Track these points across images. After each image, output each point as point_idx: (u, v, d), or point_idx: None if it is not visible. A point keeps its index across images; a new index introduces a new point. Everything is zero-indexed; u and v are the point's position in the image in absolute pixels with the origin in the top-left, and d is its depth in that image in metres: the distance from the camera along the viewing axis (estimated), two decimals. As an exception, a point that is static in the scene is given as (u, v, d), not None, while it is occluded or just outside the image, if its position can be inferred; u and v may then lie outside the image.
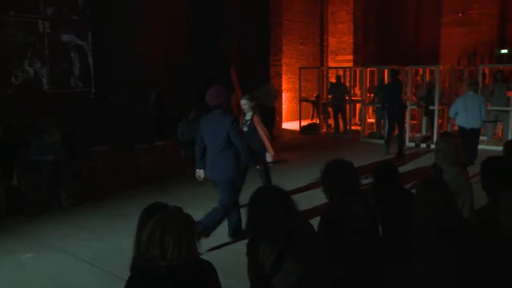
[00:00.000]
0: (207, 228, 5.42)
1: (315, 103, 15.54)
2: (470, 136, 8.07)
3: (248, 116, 7.13)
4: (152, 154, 9.78)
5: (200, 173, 5.76)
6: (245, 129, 6.99)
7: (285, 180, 8.32)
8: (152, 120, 12.02)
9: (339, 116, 14.31)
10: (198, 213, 6.77)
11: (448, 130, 12.35)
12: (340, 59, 18.84)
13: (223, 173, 5.51)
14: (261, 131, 6.83)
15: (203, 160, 5.69)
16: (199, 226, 5.21)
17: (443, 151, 4.23)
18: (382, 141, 12.59)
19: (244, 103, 7.09)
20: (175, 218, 2.49)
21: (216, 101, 5.58)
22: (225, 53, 15.49)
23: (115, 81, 11.64)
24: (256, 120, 6.93)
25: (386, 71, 13.66)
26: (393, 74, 10.82)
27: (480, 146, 8.77)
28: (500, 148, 9.49)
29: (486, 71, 13.92)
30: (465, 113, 8.09)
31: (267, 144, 6.80)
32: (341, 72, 14.78)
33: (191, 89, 14.63)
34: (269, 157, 6.81)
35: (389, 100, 10.57)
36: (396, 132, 10.83)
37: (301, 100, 15.92)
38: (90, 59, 11.35)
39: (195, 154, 5.81)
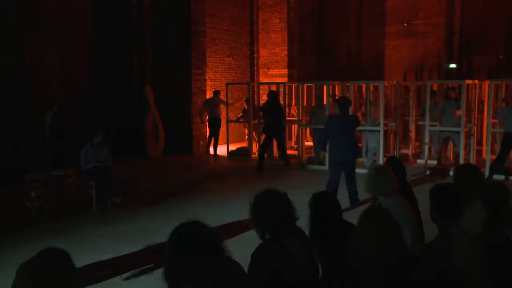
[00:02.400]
0: None
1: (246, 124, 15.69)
2: None
3: None
4: (47, 186, 9.44)
5: None
6: None
7: (211, 215, 8.28)
8: (48, 144, 11.66)
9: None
10: (105, 256, 6.60)
11: (393, 155, 12.83)
12: (273, 74, 19.17)
13: None
14: None
15: None
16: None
17: (370, 182, 4.45)
18: (322, 167, 12.90)
19: None
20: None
21: None
22: (138, 67, 15.38)
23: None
24: None
25: (325, 87, 14.06)
26: (272, 95, 13.06)
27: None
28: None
29: (435, 87, 14.63)
30: None
31: None
32: (274, 88, 15.03)
33: (97, 109, 14.37)
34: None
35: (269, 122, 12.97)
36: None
37: (229, 121, 16.01)
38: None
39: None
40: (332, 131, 8.99)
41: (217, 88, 17.23)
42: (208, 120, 15.69)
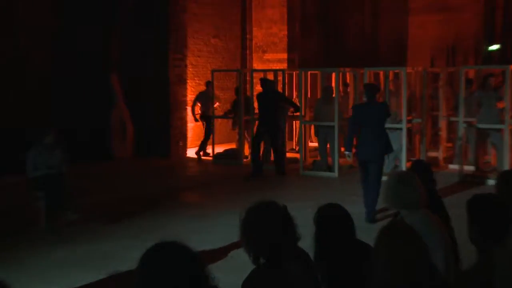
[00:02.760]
0: None
1: (235, 122, 15.67)
2: None
3: None
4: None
5: None
6: None
7: (192, 234, 8.23)
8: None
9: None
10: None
11: (419, 158, 12.81)
12: (270, 59, 19.18)
13: None
14: None
15: None
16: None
17: (391, 192, 4.45)
18: (330, 174, 12.88)
19: None
20: None
21: None
22: (103, 52, 15.34)
23: None
24: None
25: (333, 75, 14.05)
26: (263, 82, 13.33)
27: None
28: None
29: (471, 74, 14.61)
30: None
31: None
32: (271, 76, 15.03)
33: (55, 103, 14.33)
34: None
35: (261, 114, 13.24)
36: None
37: (213, 116, 15.94)
38: None
39: None
40: (358, 122, 9.45)
41: (200, 76, 17.23)
42: (202, 117, 15.80)
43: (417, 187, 4.43)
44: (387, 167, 12.86)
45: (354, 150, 9.98)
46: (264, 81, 13.45)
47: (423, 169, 5.35)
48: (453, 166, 13.31)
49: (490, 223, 3.46)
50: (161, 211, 10.07)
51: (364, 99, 9.59)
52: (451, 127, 14.73)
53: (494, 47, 20.07)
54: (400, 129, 12.40)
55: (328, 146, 13.45)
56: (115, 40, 15.48)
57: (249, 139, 14.99)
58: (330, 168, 13.21)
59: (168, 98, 15.46)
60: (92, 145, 14.94)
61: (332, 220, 3.97)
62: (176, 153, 15.66)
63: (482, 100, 12.55)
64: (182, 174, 14.05)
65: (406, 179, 4.50)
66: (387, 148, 9.41)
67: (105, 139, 15.29)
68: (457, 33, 20.81)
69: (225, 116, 16.55)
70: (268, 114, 13.11)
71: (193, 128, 17.17)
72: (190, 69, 17.23)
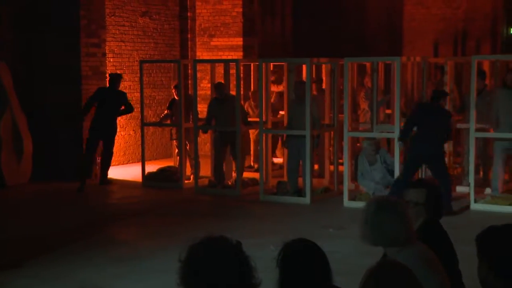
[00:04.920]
0: None
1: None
2: None
3: None
4: None
5: None
6: None
7: (116, 281, 8.21)
8: None
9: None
10: None
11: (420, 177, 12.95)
12: (219, 45, 19.19)
13: None
14: None
15: None
16: None
17: (371, 225, 4.52)
18: (299, 199, 12.95)
19: None
20: None
21: None
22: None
23: None
24: None
25: (304, 67, 14.10)
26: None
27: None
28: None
29: (485, 66, 14.76)
30: None
31: None
32: (220, 69, 15.02)
33: None
34: None
35: None
36: None
37: (144, 124, 15.89)
38: None
39: None
40: (421, 121, 12.14)
41: (125, 69, 17.12)
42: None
43: (405, 217, 4.53)
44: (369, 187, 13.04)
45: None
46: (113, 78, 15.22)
47: (426, 189, 5.37)
48: (462, 188, 13.43)
49: (509, 263, 3.44)
50: (73, 252, 9.97)
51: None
52: (459, 136, 14.88)
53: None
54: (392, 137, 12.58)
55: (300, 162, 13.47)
56: (5, 19, 15.26)
57: (192, 154, 14.97)
58: (299, 192, 13.27)
59: (79, 98, 15.26)
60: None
61: (300, 260, 3.99)
62: (92, 174, 15.51)
63: (503, 101, 12.71)
64: (101, 202, 13.92)
65: (390, 206, 4.58)
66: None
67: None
68: (468, 12, 21.03)
69: (159, 123, 16.52)
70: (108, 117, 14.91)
71: (116, 139, 17.10)
72: (111, 59, 17.18)
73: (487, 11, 20.63)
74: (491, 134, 12.97)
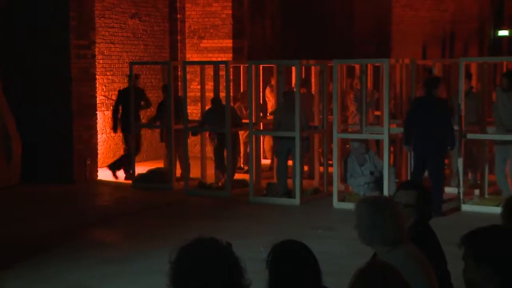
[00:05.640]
0: None
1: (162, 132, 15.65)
2: None
3: None
4: None
5: None
6: None
7: (105, 283, 8.19)
8: None
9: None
10: None
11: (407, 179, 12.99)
12: (209, 47, 19.18)
13: None
14: None
15: None
16: None
17: (361, 225, 4.54)
18: (289, 201, 12.99)
19: None
20: None
21: None
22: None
23: None
24: None
25: (293, 69, 14.11)
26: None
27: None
28: None
29: (473, 68, 14.79)
30: None
31: None
32: (210, 71, 14.98)
33: None
34: None
35: None
36: None
37: (140, 125, 15.86)
38: None
39: None
40: (417, 119, 12.02)
41: (114, 70, 17.10)
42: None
43: (396, 217, 4.54)
44: (359, 188, 13.06)
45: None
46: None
47: (418, 192, 5.38)
48: (451, 190, 13.46)
49: (498, 262, 3.45)
50: (61, 254, 9.94)
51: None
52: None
53: (504, 32, 20.32)
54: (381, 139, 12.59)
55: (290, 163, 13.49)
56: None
57: (182, 156, 14.93)
58: (289, 193, 13.29)
59: (69, 100, 15.23)
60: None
61: (290, 262, 3.99)
62: (83, 175, 15.47)
63: (503, 102, 12.72)
64: (91, 204, 13.90)
65: (380, 206, 4.59)
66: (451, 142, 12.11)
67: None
68: (456, 13, 21.07)
69: (149, 125, 16.49)
70: None
71: (106, 141, 17.07)
72: (101, 61, 17.13)
73: (474, 14, 20.70)
74: (479, 136, 12.98)
